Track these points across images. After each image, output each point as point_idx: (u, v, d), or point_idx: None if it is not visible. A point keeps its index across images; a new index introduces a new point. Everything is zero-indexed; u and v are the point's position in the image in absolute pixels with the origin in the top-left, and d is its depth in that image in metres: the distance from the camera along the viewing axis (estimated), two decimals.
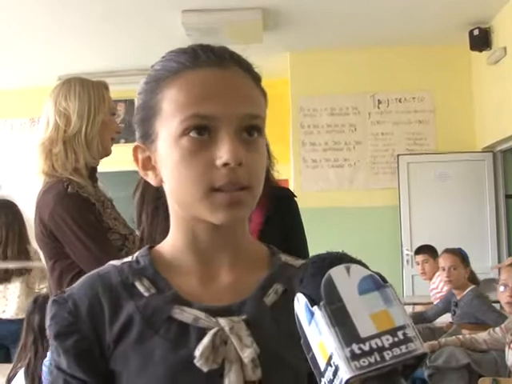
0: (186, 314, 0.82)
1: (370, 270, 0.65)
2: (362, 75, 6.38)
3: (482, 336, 3.34)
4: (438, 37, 6.14)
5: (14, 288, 3.93)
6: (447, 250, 4.22)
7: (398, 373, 0.59)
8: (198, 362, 0.78)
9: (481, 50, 5.93)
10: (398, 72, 6.39)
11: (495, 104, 5.86)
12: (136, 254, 0.91)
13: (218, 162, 0.80)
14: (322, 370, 0.60)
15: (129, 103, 7.47)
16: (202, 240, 0.87)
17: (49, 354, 2.05)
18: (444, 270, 4.09)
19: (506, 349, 2.97)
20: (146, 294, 0.85)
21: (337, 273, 0.63)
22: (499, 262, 5.60)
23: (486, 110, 6.15)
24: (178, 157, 0.82)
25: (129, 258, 0.91)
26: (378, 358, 0.57)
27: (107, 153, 2.15)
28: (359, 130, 6.52)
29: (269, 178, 2.10)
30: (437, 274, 4.79)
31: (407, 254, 6.08)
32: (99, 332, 0.83)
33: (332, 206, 6.21)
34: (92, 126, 2.04)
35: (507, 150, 6.09)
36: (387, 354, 0.58)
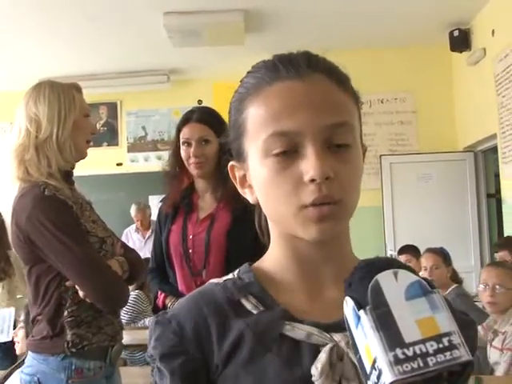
0: (298, 331, 0.79)
1: (418, 275, 0.65)
2: None
3: None
4: (418, 38, 6.19)
5: None
6: (429, 250, 4.24)
7: (442, 379, 0.59)
8: (317, 381, 0.74)
9: (461, 51, 5.98)
10: (380, 73, 6.43)
11: (476, 104, 5.91)
12: (237, 271, 0.89)
13: (305, 178, 0.77)
14: (368, 372, 0.61)
15: (111, 106, 7.45)
16: (303, 255, 0.85)
17: (27, 360, 2.02)
18: (426, 269, 4.11)
19: (488, 347, 3.00)
20: (255, 312, 0.81)
21: (384, 278, 0.63)
22: (481, 260, 5.65)
23: (466, 110, 6.21)
24: (265, 176, 0.80)
25: (230, 276, 0.88)
26: (422, 364, 0.57)
27: (82, 155, 2.13)
28: None
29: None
30: (420, 273, 4.82)
31: (391, 255, 6.11)
32: (206, 352, 0.80)
33: None
34: (63, 130, 2.03)
35: (488, 149, 6.14)
36: (431, 360, 0.57)
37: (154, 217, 7.04)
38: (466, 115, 6.23)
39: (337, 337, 0.78)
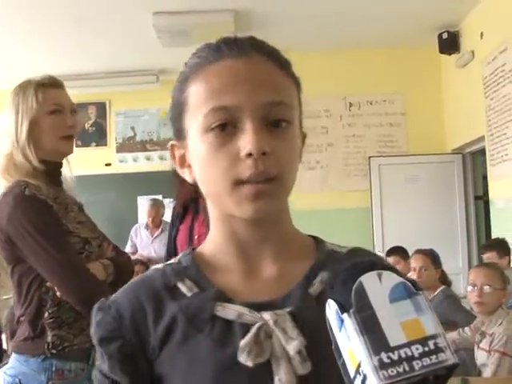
0: (229, 311, 0.80)
1: (402, 276, 0.64)
2: (333, 78, 6.42)
3: (451, 336, 3.36)
4: (408, 40, 6.21)
5: None
6: (418, 251, 4.25)
7: (428, 382, 0.58)
8: (241, 358, 0.76)
9: (450, 54, 6.01)
10: (370, 75, 6.45)
11: (464, 106, 5.94)
12: (179, 256, 0.90)
13: (242, 153, 0.78)
14: (352, 377, 0.60)
15: (100, 106, 7.41)
16: (241, 235, 0.85)
17: (10, 361, 2.01)
18: (415, 270, 4.12)
19: (475, 348, 3.00)
20: (189, 294, 0.83)
21: (368, 280, 0.62)
22: (469, 262, 5.68)
23: (455, 112, 6.23)
24: (204, 151, 0.81)
25: (172, 260, 0.90)
26: (407, 368, 0.56)
27: (60, 152, 2.09)
28: (331, 132, 6.56)
29: None
30: (408, 274, 4.83)
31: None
32: (143, 336, 0.82)
33: (304, 208, 6.23)
34: (20, 132, 2.00)
35: (476, 151, 6.17)
36: (416, 364, 0.57)
37: (141, 218, 7.04)
38: (454, 117, 6.26)
39: (266, 315, 0.79)
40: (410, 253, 4.75)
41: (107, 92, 7.26)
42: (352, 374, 0.60)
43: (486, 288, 2.98)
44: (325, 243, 0.92)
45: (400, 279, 0.63)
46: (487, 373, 2.84)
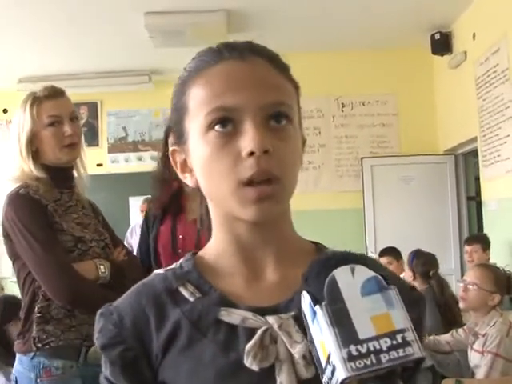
0: (233, 316, 0.80)
1: (376, 271, 0.65)
2: (326, 78, 6.41)
3: (445, 337, 3.37)
4: (400, 41, 6.22)
5: None
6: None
7: (396, 375, 0.60)
8: (246, 362, 0.76)
9: (442, 54, 6.02)
10: (362, 75, 6.44)
11: (456, 107, 5.95)
12: (181, 260, 0.90)
13: (244, 153, 0.78)
14: (323, 367, 0.62)
15: (91, 106, 7.38)
16: (244, 238, 0.85)
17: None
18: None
19: (469, 350, 3.00)
20: (191, 299, 0.83)
21: (341, 273, 0.64)
22: (461, 263, 5.68)
23: (447, 113, 6.24)
24: (206, 153, 0.81)
25: (173, 265, 0.90)
26: (374, 361, 0.58)
27: (63, 161, 2.17)
28: (323, 132, 6.56)
29: None
30: (401, 275, 4.84)
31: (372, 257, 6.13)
32: (145, 342, 0.82)
33: (297, 208, 6.19)
34: (21, 145, 2.11)
35: (468, 152, 6.18)
36: (384, 357, 0.59)
37: (132, 218, 7.01)
38: (447, 118, 6.27)
39: (271, 320, 0.79)
40: (403, 253, 4.76)
41: (99, 92, 7.23)
42: (323, 365, 0.62)
43: (471, 286, 3.00)
44: (326, 249, 0.92)
45: (373, 273, 0.64)
46: (480, 374, 2.85)
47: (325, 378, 0.62)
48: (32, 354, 1.98)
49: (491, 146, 5.19)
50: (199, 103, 0.82)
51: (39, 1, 4.90)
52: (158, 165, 2.65)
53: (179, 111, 0.86)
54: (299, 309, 0.79)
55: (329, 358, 0.61)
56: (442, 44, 5.93)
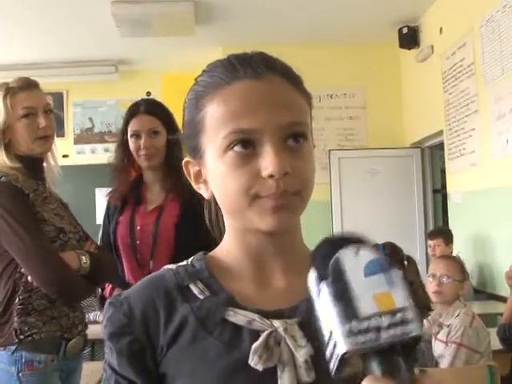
0: (239, 317, 0.83)
1: (381, 253, 0.68)
2: None
3: None
4: (368, 35, 6.25)
5: None
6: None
7: (395, 351, 0.62)
8: (251, 361, 0.78)
9: (409, 48, 6.07)
10: (330, 68, 6.46)
11: (423, 101, 6.01)
12: (191, 259, 0.92)
13: (264, 174, 0.80)
14: (326, 342, 0.64)
15: (57, 97, 7.26)
16: (255, 247, 0.88)
17: None
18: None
19: (433, 340, 3.04)
20: (201, 297, 0.85)
21: (346, 254, 0.66)
22: (426, 255, 5.75)
23: (414, 106, 6.31)
24: (224, 170, 0.82)
25: (184, 262, 0.92)
26: (374, 337, 0.61)
27: (36, 152, 2.17)
28: None
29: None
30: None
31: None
32: (152, 334, 0.84)
33: None
34: None
35: (435, 145, 6.26)
36: (383, 334, 0.61)
37: (99, 210, 6.93)
38: (413, 112, 6.33)
39: (276, 323, 0.82)
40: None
41: (64, 82, 7.12)
42: (326, 340, 0.65)
43: (445, 278, 3.04)
44: None
45: (376, 255, 0.67)
46: (444, 364, 2.89)
47: (327, 354, 0.64)
48: (13, 347, 1.96)
49: (457, 139, 5.26)
50: (216, 124, 0.83)
51: None
52: (116, 154, 2.63)
53: (195, 127, 0.87)
54: (303, 316, 0.83)
55: (331, 333, 0.63)
56: (409, 38, 5.99)
